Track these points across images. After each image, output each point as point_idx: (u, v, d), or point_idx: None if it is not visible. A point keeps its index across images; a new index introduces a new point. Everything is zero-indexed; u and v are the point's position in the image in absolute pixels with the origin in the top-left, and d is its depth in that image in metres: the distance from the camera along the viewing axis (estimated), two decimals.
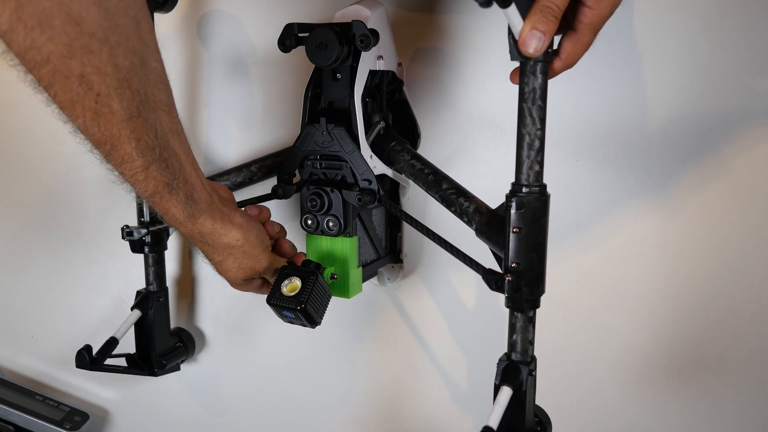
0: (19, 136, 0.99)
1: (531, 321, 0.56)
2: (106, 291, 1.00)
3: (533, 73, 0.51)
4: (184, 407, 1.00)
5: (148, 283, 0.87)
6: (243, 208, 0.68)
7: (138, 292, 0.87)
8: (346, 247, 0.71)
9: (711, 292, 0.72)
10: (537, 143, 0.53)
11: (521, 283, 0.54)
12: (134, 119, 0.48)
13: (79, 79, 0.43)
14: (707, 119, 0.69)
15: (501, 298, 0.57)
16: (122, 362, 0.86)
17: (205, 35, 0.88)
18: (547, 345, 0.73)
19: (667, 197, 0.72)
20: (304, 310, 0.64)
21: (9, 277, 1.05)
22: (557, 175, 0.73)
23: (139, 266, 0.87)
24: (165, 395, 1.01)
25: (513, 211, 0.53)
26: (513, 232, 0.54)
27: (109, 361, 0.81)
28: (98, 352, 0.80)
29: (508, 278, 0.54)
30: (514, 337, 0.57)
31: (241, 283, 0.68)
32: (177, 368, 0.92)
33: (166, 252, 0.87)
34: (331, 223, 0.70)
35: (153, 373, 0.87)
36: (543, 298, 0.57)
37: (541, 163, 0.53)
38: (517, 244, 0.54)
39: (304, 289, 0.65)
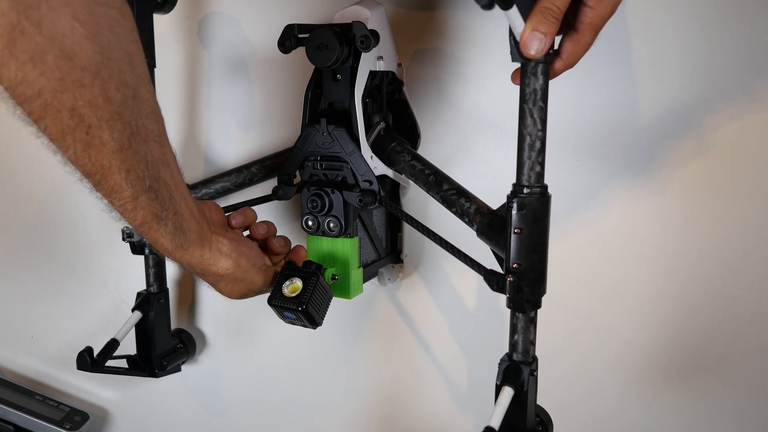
0: (19, 136, 0.99)
1: (532, 321, 0.56)
2: (107, 291, 1.00)
3: (534, 75, 0.51)
4: (185, 407, 1.00)
5: (148, 284, 0.87)
6: (228, 215, 0.67)
7: (138, 294, 0.87)
8: (346, 247, 0.71)
9: (711, 292, 0.72)
10: (538, 144, 0.53)
11: (522, 284, 0.54)
12: (125, 151, 0.47)
13: (71, 112, 0.43)
14: (707, 119, 0.69)
15: (502, 298, 0.57)
16: (123, 363, 0.86)
17: (205, 36, 0.88)
18: (548, 345, 0.73)
19: (667, 197, 0.72)
20: (306, 311, 0.64)
21: (9, 277, 1.05)
22: (557, 175, 0.73)
23: (140, 267, 0.87)
24: (165, 395, 1.01)
25: (514, 211, 0.54)
26: (514, 232, 0.54)
27: (109, 363, 0.81)
28: (99, 354, 0.80)
29: (510, 279, 0.54)
30: (516, 337, 0.57)
31: (238, 298, 0.69)
32: (178, 369, 0.92)
33: None
34: (331, 224, 0.70)
35: (154, 375, 0.87)
36: (543, 299, 0.57)
37: (542, 164, 0.53)
38: (518, 244, 0.54)
39: (305, 290, 0.65)
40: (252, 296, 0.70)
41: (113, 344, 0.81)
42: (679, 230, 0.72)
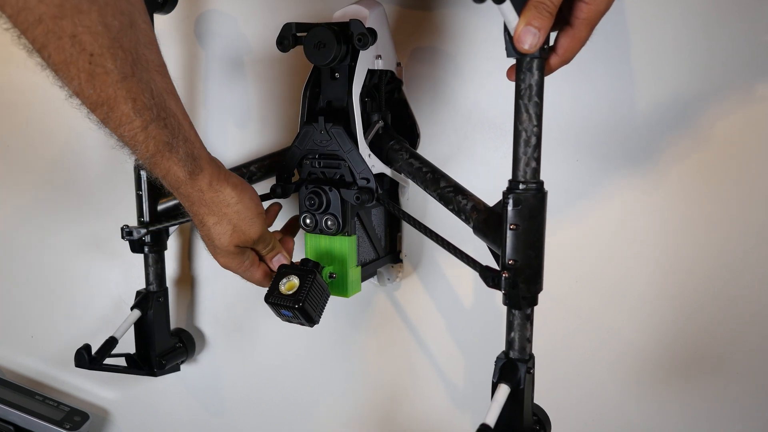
0: (20, 136, 0.99)
1: (529, 318, 0.56)
2: (107, 291, 1.00)
3: (529, 70, 0.51)
4: (184, 407, 1.00)
5: (147, 283, 0.87)
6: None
7: (138, 292, 0.87)
8: (344, 246, 0.71)
9: (711, 292, 0.72)
10: (534, 140, 0.53)
11: (518, 280, 0.54)
12: (129, 79, 0.48)
13: (71, 39, 0.44)
14: (706, 117, 0.69)
15: (500, 297, 0.56)
16: (122, 362, 0.86)
17: (202, 35, 0.88)
18: (547, 345, 0.72)
19: (667, 196, 0.72)
20: (302, 309, 0.64)
21: (9, 277, 1.05)
22: (557, 175, 0.73)
23: (139, 266, 0.87)
24: (165, 395, 1.01)
25: (510, 207, 0.53)
26: (510, 229, 0.54)
27: (108, 361, 0.81)
28: (97, 352, 0.80)
29: (505, 275, 0.54)
30: (512, 334, 0.57)
31: (233, 251, 0.65)
32: (177, 368, 0.92)
33: (166, 252, 0.87)
34: (329, 222, 0.70)
35: (152, 374, 0.87)
36: (543, 298, 0.56)
37: (537, 160, 0.53)
38: (514, 241, 0.54)
39: (302, 287, 0.65)
40: (243, 264, 0.67)
41: (112, 342, 0.81)
42: (679, 229, 0.72)
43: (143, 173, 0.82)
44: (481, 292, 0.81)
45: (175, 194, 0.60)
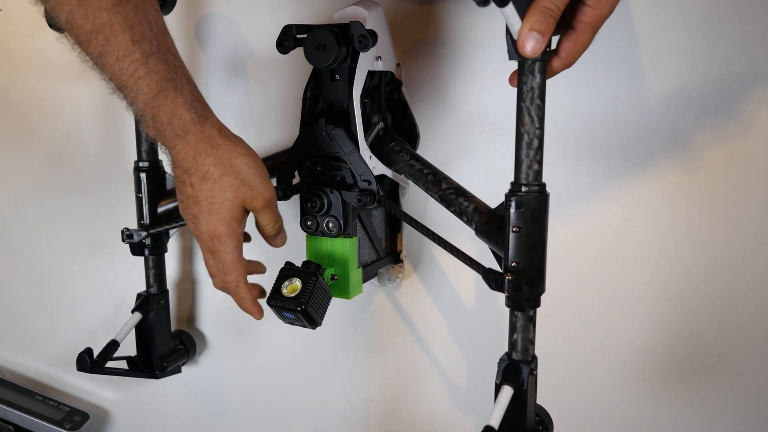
0: (20, 136, 0.99)
1: (531, 320, 0.56)
2: (107, 292, 1.00)
3: (531, 73, 0.51)
4: (185, 408, 1.00)
5: (148, 285, 0.87)
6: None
7: (138, 295, 0.87)
8: (346, 247, 0.71)
9: (711, 292, 0.72)
10: (536, 142, 0.53)
11: (521, 282, 0.54)
12: (123, 4, 0.45)
13: None
14: (707, 118, 0.69)
15: (502, 298, 0.57)
16: (123, 365, 0.86)
17: (203, 38, 0.88)
18: (548, 345, 0.73)
19: (667, 197, 0.72)
20: (305, 311, 0.64)
21: (9, 277, 1.05)
22: (558, 176, 0.74)
23: (140, 266, 0.87)
24: (165, 396, 1.01)
25: (512, 210, 0.53)
26: (513, 231, 0.54)
27: (110, 364, 0.81)
28: (99, 355, 0.80)
29: (508, 277, 0.54)
30: (515, 336, 0.57)
31: (235, 217, 0.58)
32: (178, 371, 0.92)
33: (166, 255, 0.87)
34: (330, 224, 0.70)
35: (154, 376, 0.87)
36: (543, 298, 0.57)
37: (540, 162, 0.53)
38: (516, 243, 0.54)
39: (304, 290, 0.65)
40: (238, 232, 0.59)
41: (113, 345, 0.81)
42: (679, 230, 0.72)
43: (143, 176, 0.81)
44: (483, 293, 0.81)
45: (177, 145, 0.54)
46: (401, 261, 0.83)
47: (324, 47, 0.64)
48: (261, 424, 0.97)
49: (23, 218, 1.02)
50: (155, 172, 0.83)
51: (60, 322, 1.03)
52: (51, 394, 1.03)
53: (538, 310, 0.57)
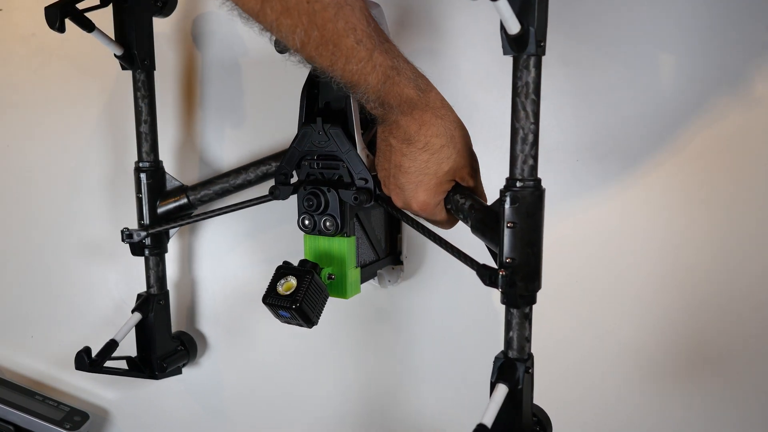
0: (20, 137, 1.00)
1: (527, 317, 0.56)
2: (107, 292, 1.00)
3: (526, 68, 0.51)
4: (185, 408, 1.00)
5: (148, 286, 0.87)
6: None
7: (139, 295, 0.87)
8: (343, 247, 0.70)
9: (711, 292, 0.71)
10: (531, 137, 0.52)
11: (516, 279, 0.54)
12: (343, 8, 0.47)
13: None
14: (707, 118, 0.69)
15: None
16: (123, 365, 0.85)
17: (199, 36, 0.89)
18: (547, 344, 0.72)
19: (666, 196, 0.71)
20: (300, 309, 0.64)
21: (9, 277, 1.06)
22: (557, 175, 0.73)
23: (140, 267, 0.87)
24: (165, 396, 1.01)
25: (507, 205, 0.53)
26: (507, 226, 0.54)
27: (109, 364, 0.81)
28: (98, 355, 0.80)
29: (502, 273, 0.54)
30: (510, 333, 0.56)
31: (445, 182, 0.60)
32: (178, 372, 0.92)
33: (166, 255, 0.87)
34: (328, 223, 0.69)
35: (154, 377, 0.87)
36: (542, 297, 0.56)
37: (535, 158, 0.53)
38: (511, 238, 0.54)
39: (299, 288, 0.64)
40: (442, 195, 0.61)
41: (112, 345, 0.81)
42: (678, 229, 0.71)
43: (143, 176, 0.82)
44: (483, 295, 0.80)
45: (400, 120, 0.56)
46: (401, 262, 0.83)
47: None
48: (261, 424, 0.96)
49: (23, 218, 1.03)
50: (155, 172, 0.83)
51: (60, 323, 1.04)
52: (51, 394, 1.03)
53: (534, 307, 0.56)
